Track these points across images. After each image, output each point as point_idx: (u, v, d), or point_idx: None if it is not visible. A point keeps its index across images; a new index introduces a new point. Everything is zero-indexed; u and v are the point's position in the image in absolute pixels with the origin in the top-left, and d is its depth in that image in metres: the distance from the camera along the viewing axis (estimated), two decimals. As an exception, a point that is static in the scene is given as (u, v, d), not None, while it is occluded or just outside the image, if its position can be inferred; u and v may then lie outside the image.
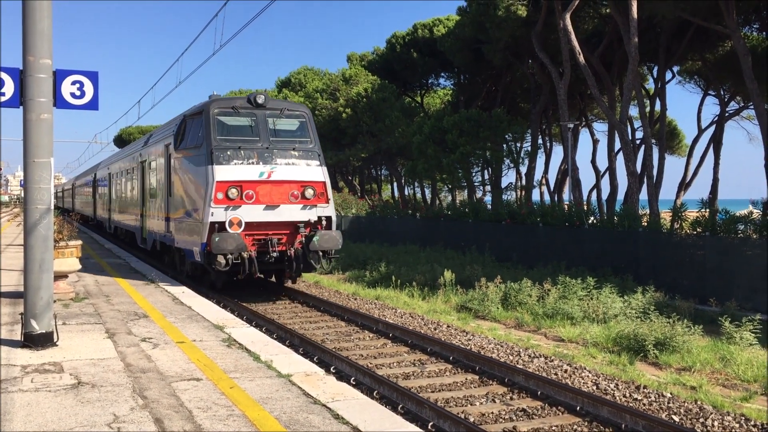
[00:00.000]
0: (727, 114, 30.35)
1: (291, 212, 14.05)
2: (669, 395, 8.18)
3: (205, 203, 13.39)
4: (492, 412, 7.56)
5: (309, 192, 14.19)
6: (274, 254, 13.85)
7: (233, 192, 13.46)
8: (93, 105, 8.38)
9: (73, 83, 8.22)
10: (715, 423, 7.29)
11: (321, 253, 14.06)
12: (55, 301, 8.54)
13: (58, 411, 5.64)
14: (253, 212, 13.64)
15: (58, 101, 8.11)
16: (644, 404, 7.92)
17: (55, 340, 7.93)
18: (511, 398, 8.12)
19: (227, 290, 15.25)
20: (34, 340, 7.77)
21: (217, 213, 13.36)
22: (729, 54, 25.00)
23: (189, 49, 20.47)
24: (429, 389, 8.44)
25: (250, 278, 14.30)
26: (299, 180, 14.18)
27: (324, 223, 14.44)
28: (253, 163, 13.85)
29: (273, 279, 16.85)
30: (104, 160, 34.19)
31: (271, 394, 6.26)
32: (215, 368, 7.15)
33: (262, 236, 13.92)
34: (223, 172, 13.50)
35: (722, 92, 29.70)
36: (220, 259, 13.16)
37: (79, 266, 12.09)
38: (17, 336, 8.07)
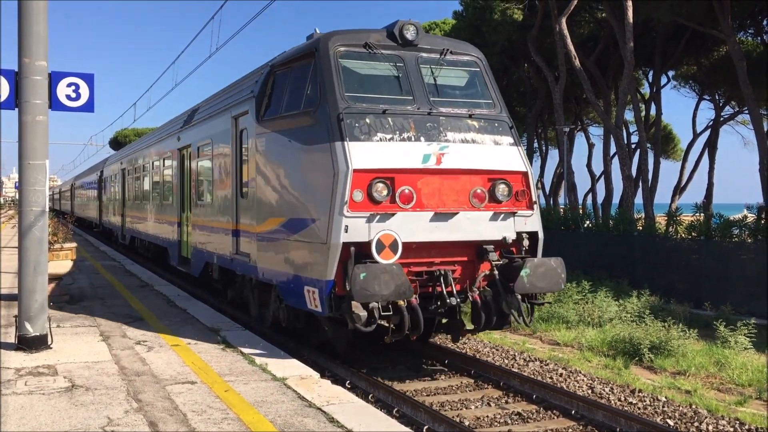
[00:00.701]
0: (722, 118, 30.54)
1: (475, 225, 8.33)
2: (664, 399, 8.19)
3: (332, 209, 7.75)
4: (487, 416, 7.56)
5: (502, 189, 8.52)
6: (452, 301, 8.06)
7: (380, 189, 7.91)
8: (88, 107, 8.39)
9: (69, 85, 8.22)
10: (710, 427, 7.31)
11: (521, 297, 8.28)
12: (49, 304, 8.51)
13: (52, 414, 5.62)
14: (413, 225, 8.03)
15: (54, 103, 8.11)
16: (639, 408, 7.93)
17: (49, 342, 7.91)
18: (506, 402, 8.12)
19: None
20: (29, 343, 7.76)
21: (355, 227, 7.74)
22: (724, 59, 25.14)
23: (185, 51, 20.42)
24: (424, 393, 8.42)
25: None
26: (486, 168, 8.51)
27: (526, 244, 8.62)
28: (409, 138, 8.24)
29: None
30: (114, 154, 29.47)
31: (266, 397, 6.25)
32: (210, 371, 7.13)
33: (424, 267, 8.25)
34: (363, 154, 7.93)
35: (717, 97, 29.87)
36: (359, 310, 7.54)
37: (74, 268, 12.05)
38: (11, 339, 8.04)
